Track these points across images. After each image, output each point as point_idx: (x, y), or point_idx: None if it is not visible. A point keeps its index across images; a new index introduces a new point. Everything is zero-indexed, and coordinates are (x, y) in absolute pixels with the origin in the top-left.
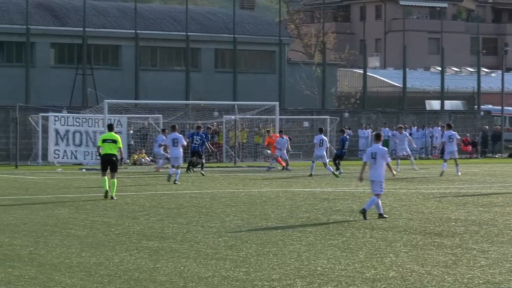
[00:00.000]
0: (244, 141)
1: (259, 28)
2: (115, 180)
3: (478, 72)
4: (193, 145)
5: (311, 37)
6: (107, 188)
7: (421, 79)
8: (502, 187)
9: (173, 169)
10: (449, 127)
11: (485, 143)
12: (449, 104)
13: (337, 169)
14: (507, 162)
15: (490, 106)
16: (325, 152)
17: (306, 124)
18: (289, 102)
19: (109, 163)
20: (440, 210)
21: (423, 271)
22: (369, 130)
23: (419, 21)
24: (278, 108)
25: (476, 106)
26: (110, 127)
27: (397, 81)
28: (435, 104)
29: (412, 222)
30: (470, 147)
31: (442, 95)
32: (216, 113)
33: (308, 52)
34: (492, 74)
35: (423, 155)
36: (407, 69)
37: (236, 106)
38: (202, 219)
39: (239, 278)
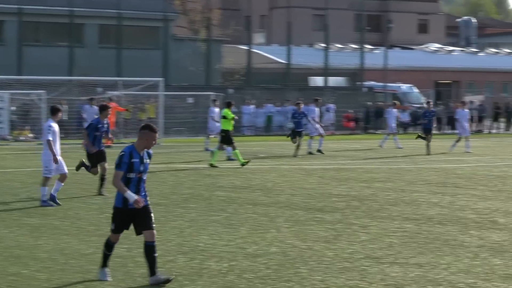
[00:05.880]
0: (129, 117)
1: (144, 4)
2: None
3: (362, 48)
4: None
5: (196, 13)
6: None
7: (305, 56)
8: (383, 163)
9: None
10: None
11: (367, 119)
12: (333, 81)
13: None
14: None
15: (373, 82)
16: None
17: (190, 100)
18: (175, 78)
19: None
20: (322, 185)
21: (304, 246)
22: (253, 106)
23: None
24: (162, 84)
25: (359, 83)
26: (228, 105)
27: (282, 58)
28: (318, 81)
29: (294, 197)
30: (352, 123)
31: (325, 72)
32: (100, 89)
33: (194, 28)
34: (376, 51)
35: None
36: (291, 46)
37: (119, 82)
38: (84, 196)
39: (121, 255)
